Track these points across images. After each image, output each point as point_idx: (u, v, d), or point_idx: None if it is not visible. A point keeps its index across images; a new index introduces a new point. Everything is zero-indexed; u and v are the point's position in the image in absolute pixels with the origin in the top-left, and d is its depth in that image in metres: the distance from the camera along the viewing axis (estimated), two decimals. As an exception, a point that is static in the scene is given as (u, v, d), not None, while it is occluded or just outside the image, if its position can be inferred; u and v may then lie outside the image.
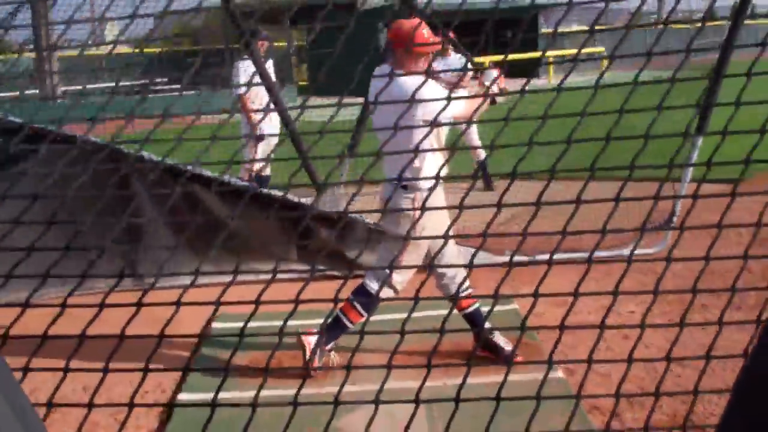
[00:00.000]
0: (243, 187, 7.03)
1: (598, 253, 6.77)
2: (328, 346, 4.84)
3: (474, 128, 10.19)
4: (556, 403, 3.99)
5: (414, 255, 4.73)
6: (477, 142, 10.24)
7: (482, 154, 10.19)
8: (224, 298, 1.25)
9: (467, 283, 4.90)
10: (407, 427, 1.18)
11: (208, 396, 4.50)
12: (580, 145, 1.51)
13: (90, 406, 1.18)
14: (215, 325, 5.68)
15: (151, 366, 1.26)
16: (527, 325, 1.49)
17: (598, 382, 4.44)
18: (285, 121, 7.83)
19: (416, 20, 4.48)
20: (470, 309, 4.90)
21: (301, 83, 26.99)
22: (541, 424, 1.23)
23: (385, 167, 4.83)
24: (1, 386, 0.82)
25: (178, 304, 1.23)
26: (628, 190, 1.50)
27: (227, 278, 5.55)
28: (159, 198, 6.35)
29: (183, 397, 4.55)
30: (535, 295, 1.23)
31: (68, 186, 1.48)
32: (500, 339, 4.96)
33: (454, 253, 4.99)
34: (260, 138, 8.91)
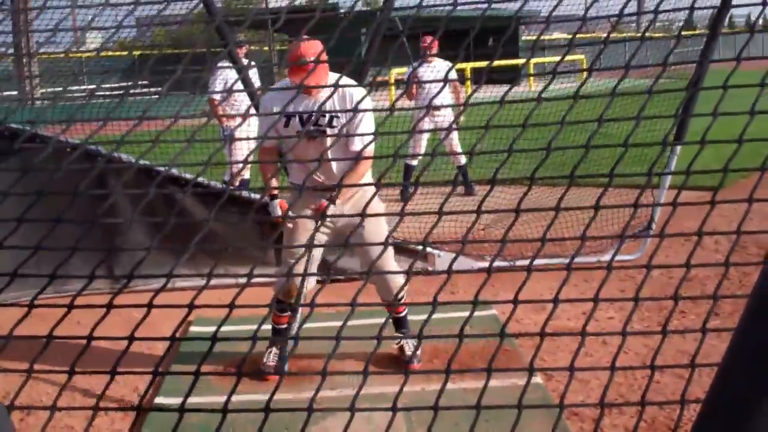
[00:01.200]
0: (219, 189, 7.01)
1: (578, 259, 6.82)
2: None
3: (455, 134, 10.22)
4: (535, 410, 4.01)
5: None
6: (457, 147, 10.27)
7: (462, 159, 10.21)
8: (202, 301, 1.24)
9: (404, 291, 4.99)
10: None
11: (180, 401, 4.45)
12: (560, 153, 1.51)
13: (53, 408, 1.16)
14: (192, 328, 5.65)
15: (125, 369, 1.24)
16: (507, 331, 1.48)
17: (577, 388, 4.45)
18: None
19: (315, 45, 4.54)
20: (402, 314, 5.12)
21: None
22: (520, 430, 1.22)
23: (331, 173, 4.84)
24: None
25: (149, 306, 1.21)
26: (609, 197, 1.50)
27: (204, 281, 5.49)
28: (135, 199, 6.32)
29: (159, 400, 4.51)
30: (515, 301, 1.22)
31: (44, 186, 1.47)
32: (409, 347, 5.10)
33: (392, 256, 5.16)
34: (231, 140, 8.89)
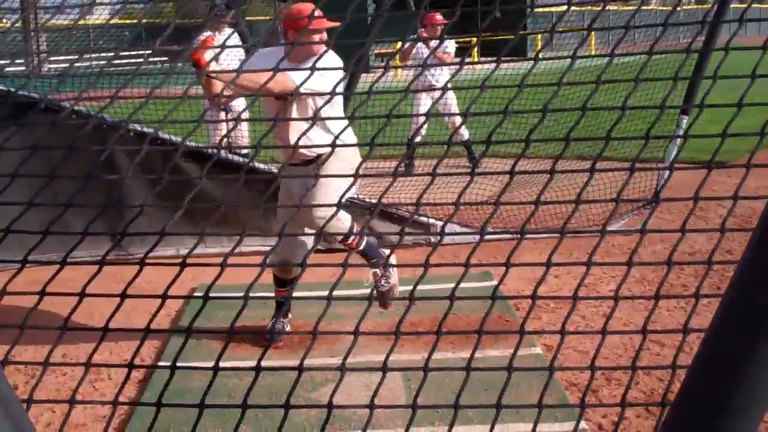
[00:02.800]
0: (229, 159, 7.03)
1: (580, 229, 6.75)
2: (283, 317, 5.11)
3: (453, 100, 10.18)
4: (534, 381, 4.05)
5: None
6: (458, 122, 10.21)
7: (465, 134, 10.17)
8: (206, 270, 1.25)
9: (349, 224, 4.97)
10: (376, 392, 1.19)
11: (186, 364, 4.47)
12: (560, 125, 1.51)
13: (45, 364, 1.17)
14: (196, 294, 5.69)
15: (127, 335, 1.25)
16: (506, 301, 1.49)
17: (578, 360, 4.48)
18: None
19: (309, 6, 4.49)
20: (362, 247, 5.02)
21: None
22: (520, 401, 1.23)
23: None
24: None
25: (141, 263, 1.22)
26: (614, 172, 1.50)
27: (209, 248, 5.50)
28: (141, 167, 6.34)
29: (162, 364, 4.56)
30: (507, 264, 1.23)
31: (50, 153, 1.47)
32: (383, 281, 5.08)
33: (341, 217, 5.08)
34: (227, 112, 8.84)
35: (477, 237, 6.63)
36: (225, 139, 9.36)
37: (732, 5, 7.40)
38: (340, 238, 4.85)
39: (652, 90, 7.46)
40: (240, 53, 8.78)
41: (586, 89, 1.36)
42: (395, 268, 5.07)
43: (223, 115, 9.04)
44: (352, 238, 4.91)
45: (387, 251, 5.12)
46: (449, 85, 9.09)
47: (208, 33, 9.01)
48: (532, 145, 1.31)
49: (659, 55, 1.48)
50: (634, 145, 7.39)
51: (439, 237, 6.82)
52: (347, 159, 4.39)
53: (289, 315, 5.14)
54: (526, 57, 24.19)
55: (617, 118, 1.34)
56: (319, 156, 4.65)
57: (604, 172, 1.28)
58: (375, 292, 4.96)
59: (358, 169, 1.45)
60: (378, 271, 5.00)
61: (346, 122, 4.20)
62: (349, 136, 4.88)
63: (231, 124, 8.94)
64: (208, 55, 4.56)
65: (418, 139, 10.36)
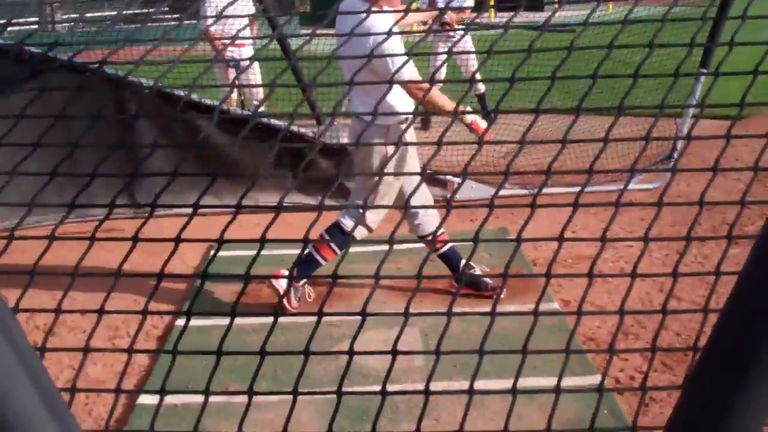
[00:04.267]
0: (242, 115, 6.99)
1: (600, 188, 6.77)
2: (301, 283, 4.90)
3: (473, 60, 10.09)
4: (552, 336, 4.06)
5: (388, 192, 4.71)
6: (475, 73, 10.12)
7: (482, 87, 10.09)
8: (225, 227, 1.24)
9: (439, 224, 4.91)
10: (396, 341, 1.19)
11: (206, 322, 4.52)
12: (577, 83, 1.49)
13: (58, 311, 1.18)
14: (213, 253, 5.71)
15: (145, 291, 1.26)
16: (526, 258, 1.48)
17: (594, 316, 4.48)
18: (285, 52, 7.65)
19: None
20: (445, 249, 4.86)
21: (301, 12, 26.62)
22: (537, 355, 1.23)
23: (355, 101, 4.79)
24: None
25: (135, 237, 1.21)
26: (631, 126, 1.48)
27: (227, 201, 5.49)
28: (155, 123, 6.34)
29: (180, 321, 4.60)
30: (532, 206, 1.22)
31: (63, 110, 1.47)
32: (479, 272, 4.92)
33: (426, 193, 5.02)
34: (237, 68, 8.76)
35: (491, 194, 6.61)
36: (236, 96, 9.31)
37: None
38: (426, 229, 4.76)
39: (672, 39, 7.34)
40: (244, 7, 8.61)
41: (601, 50, 1.34)
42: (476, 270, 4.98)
43: (232, 72, 8.96)
44: (440, 232, 4.79)
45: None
46: (469, 42, 8.98)
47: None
48: (550, 95, 1.29)
49: (676, 13, 1.45)
50: (653, 97, 7.29)
51: (460, 195, 6.79)
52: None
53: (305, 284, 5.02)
54: (542, 9, 23.95)
55: (630, 86, 1.32)
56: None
57: (617, 141, 1.27)
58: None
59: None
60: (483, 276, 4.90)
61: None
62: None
63: (242, 81, 8.88)
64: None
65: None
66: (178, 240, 1.18)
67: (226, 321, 1.17)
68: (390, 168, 4.40)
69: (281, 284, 4.76)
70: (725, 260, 1.21)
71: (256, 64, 8.90)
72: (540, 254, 5.44)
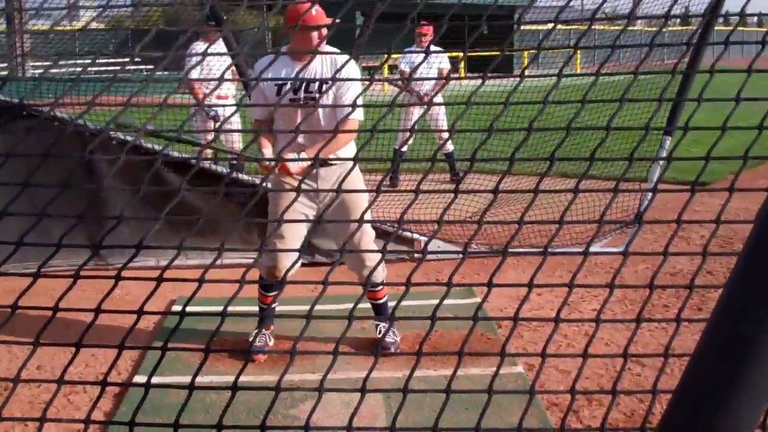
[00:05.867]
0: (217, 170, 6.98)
1: (563, 251, 6.78)
2: (270, 329, 5.11)
3: (443, 115, 10.22)
4: (515, 400, 4.02)
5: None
6: (445, 134, 10.22)
7: (450, 147, 10.20)
8: (185, 282, 1.22)
9: (384, 273, 5.02)
10: (354, 414, 1.16)
11: (165, 380, 4.43)
12: (545, 142, 1.50)
13: (16, 381, 1.14)
14: (174, 307, 5.63)
15: (96, 345, 1.22)
16: (487, 318, 1.48)
17: (559, 379, 4.46)
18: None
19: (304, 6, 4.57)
20: (382, 300, 5.01)
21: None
22: (500, 420, 1.22)
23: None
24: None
25: (117, 278, 1.19)
26: (598, 188, 1.49)
27: (190, 260, 5.43)
28: (122, 175, 6.29)
29: (138, 379, 4.50)
30: (489, 284, 1.21)
31: (28, 159, 1.45)
32: (391, 335, 5.03)
33: (372, 237, 5.04)
34: (216, 120, 8.83)
35: (460, 254, 6.62)
36: (211, 149, 9.32)
37: (716, 27, 7.46)
38: (372, 276, 4.73)
39: (636, 110, 7.50)
40: (227, 62, 8.69)
41: (572, 107, 1.35)
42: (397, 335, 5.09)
43: (211, 123, 9.00)
44: (381, 286, 4.94)
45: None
46: (440, 100, 9.11)
47: (199, 42, 9.00)
48: (516, 161, 1.29)
49: (645, 75, 1.47)
50: (618, 164, 7.40)
51: (422, 253, 6.79)
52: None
53: (272, 326, 5.08)
54: (511, 74, 24.27)
55: (601, 139, 1.33)
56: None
57: (589, 192, 1.27)
58: (381, 343, 4.89)
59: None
60: (385, 324, 5.00)
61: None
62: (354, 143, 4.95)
63: (219, 132, 8.91)
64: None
65: (405, 149, 10.38)
66: (140, 312, 1.15)
67: (185, 378, 1.14)
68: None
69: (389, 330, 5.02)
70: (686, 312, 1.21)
71: (235, 119, 8.97)
72: (505, 316, 5.43)
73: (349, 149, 4.73)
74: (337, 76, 3.74)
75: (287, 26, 4.76)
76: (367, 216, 4.83)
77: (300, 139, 4.50)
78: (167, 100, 1.36)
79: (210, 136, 9.01)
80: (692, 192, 1.23)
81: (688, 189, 1.27)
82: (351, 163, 1.25)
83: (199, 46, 8.95)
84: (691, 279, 1.26)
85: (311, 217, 4.76)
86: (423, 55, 10.05)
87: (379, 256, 4.93)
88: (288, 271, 1.49)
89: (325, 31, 4.57)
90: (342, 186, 1.48)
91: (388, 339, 4.96)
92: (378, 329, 5.03)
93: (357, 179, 4.74)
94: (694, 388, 1.01)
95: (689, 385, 1.01)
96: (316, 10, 4.68)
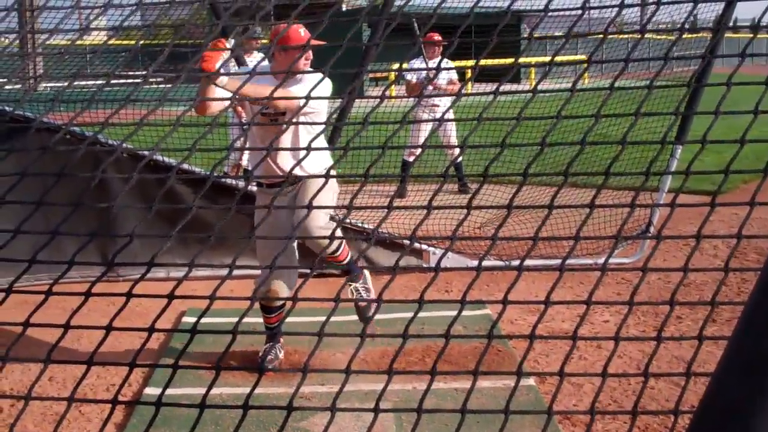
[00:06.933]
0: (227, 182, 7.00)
1: (574, 262, 6.77)
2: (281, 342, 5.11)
3: (453, 128, 10.20)
4: (525, 413, 3.99)
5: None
6: (454, 141, 10.20)
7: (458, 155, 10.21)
8: (196, 293, 1.22)
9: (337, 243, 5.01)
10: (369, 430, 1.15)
11: (175, 392, 4.44)
12: (558, 154, 1.50)
13: (28, 398, 1.14)
14: (185, 319, 5.63)
15: (110, 360, 1.22)
16: (500, 332, 1.46)
17: (571, 391, 4.43)
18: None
19: (294, 25, 4.62)
20: (345, 260, 5.05)
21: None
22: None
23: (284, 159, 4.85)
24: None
25: (128, 295, 1.19)
26: (607, 200, 1.49)
27: (200, 271, 5.43)
28: (135, 190, 6.30)
29: (148, 391, 4.49)
30: (504, 301, 1.20)
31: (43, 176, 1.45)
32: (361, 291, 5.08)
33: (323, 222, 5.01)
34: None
35: (472, 266, 6.60)
36: (230, 165, 9.42)
37: (725, 35, 7.43)
38: (330, 251, 4.83)
39: (647, 119, 7.47)
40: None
41: (584, 119, 1.34)
42: (370, 284, 5.15)
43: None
44: (340, 251, 4.97)
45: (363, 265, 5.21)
46: (451, 114, 9.08)
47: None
48: (528, 173, 1.28)
49: (658, 88, 1.46)
50: (629, 171, 7.36)
51: (433, 266, 6.77)
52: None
53: (281, 339, 5.06)
54: (518, 82, 24.17)
55: (616, 153, 1.32)
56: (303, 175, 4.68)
57: (603, 207, 1.26)
58: (355, 306, 5.02)
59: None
60: (358, 285, 5.03)
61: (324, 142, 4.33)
62: (328, 155, 5.00)
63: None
64: (218, 63, 4.58)
65: (412, 159, 10.36)
66: (151, 330, 1.15)
67: (194, 391, 1.13)
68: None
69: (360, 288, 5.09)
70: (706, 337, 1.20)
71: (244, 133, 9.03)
72: (516, 329, 5.41)
73: (321, 161, 4.67)
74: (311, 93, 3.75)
75: (278, 45, 4.76)
76: (326, 203, 4.66)
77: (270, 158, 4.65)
78: (183, 115, 1.36)
79: (244, 157, 9.13)
80: (712, 206, 1.22)
81: (707, 203, 1.26)
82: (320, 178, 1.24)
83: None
84: (712, 296, 1.24)
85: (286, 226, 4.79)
86: (430, 64, 10.05)
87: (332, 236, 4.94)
88: (284, 290, 1.48)
89: (310, 54, 4.64)
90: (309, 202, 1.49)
91: (362, 299, 5.02)
92: (351, 290, 5.03)
93: (322, 196, 4.64)
94: (716, 406, 0.99)
95: (712, 403, 1.00)
96: (304, 32, 4.74)
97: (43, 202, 1.29)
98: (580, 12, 1.62)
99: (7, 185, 1.39)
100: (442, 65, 10.01)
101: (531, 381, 4.54)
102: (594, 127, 1.35)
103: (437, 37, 10.22)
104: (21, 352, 1.21)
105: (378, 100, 1.45)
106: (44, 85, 17.63)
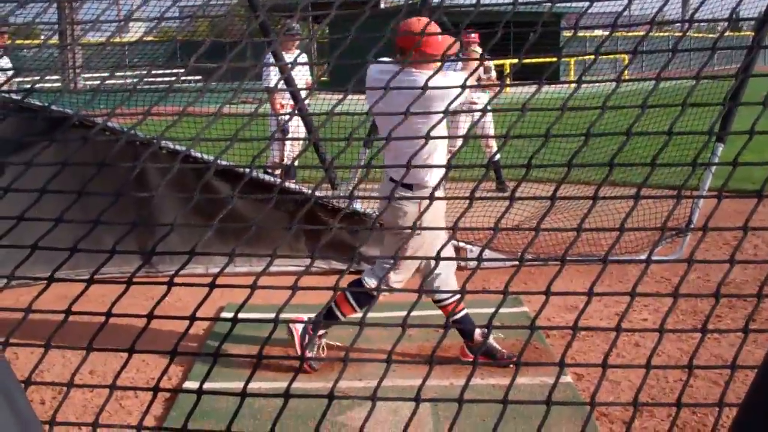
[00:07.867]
0: (265, 179, 7.05)
1: (618, 258, 6.64)
2: (319, 333, 4.92)
3: (490, 122, 10.16)
4: (563, 410, 3.98)
5: (415, 253, 4.67)
6: (492, 142, 10.18)
7: (497, 155, 10.16)
8: (236, 289, 1.23)
9: (455, 287, 4.80)
10: (407, 426, 1.16)
11: (213, 385, 4.48)
12: (600, 149, 1.49)
13: (69, 385, 1.17)
14: (223, 314, 5.68)
15: (148, 351, 1.24)
16: (542, 327, 1.46)
17: (608, 388, 4.41)
18: (307, 127, 8.01)
19: (425, 19, 4.39)
20: (460, 315, 4.75)
21: (323, 79, 27.02)
22: (548, 429, 1.21)
23: (387, 160, 4.75)
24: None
25: (169, 284, 1.21)
26: (649, 199, 1.47)
27: (238, 267, 5.48)
28: (173, 184, 6.37)
29: (188, 385, 4.55)
30: (547, 293, 1.20)
31: (82, 169, 1.48)
32: (494, 343, 4.89)
33: (449, 259, 4.90)
34: (285, 133, 8.98)
35: (509, 262, 6.58)
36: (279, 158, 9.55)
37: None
38: (439, 295, 4.60)
39: (687, 115, 7.37)
40: (305, 73, 9.06)
41: (624, 114, 1.34)
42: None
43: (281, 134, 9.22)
44: (452, 300, 4.66)
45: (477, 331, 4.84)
46: (488, 108, 9.08)
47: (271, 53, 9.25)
48: (572, 167, 1.29)
49: (705, 79, 1.45)
50: (667, 170, 7.31)
51: (474, 262, 6.75)
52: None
53: (322, 337, 5.04)
54: (557, 80, 24.07)
55: (663, 145, 1.32)
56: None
57: (648, 199, 1.26)
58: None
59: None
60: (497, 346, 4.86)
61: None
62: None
63: (291, 143, 9.19)
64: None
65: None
66: (192, 318, 1.17)
67: (234, 384, 1.15)
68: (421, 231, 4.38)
69: (298, 328, 4.81)
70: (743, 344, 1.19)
71: (301, 132, 9.10)
72: (552, 325, 5.38)
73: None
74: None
75: (402, 44, 4.51)
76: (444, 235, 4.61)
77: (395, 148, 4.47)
78: (220, 110, 1.38)
79: (285, 148, 9.25)
80: (759, 199, 1.21)
81: (753, 195, 1.25)
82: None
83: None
84: (759, 288, 1.23)
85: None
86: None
87: (452, 276, 4.83)
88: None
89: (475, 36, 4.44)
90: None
91: (500, 348, 4.85)
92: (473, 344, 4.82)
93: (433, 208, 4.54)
94: (763, 398, 0.98)
95: (758, 397, 0.99)
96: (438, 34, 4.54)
97: (83, 191, 1.32)
98: (621, 7, 1.61)
99: (48, 179, 1.42)
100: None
101: (568, 378, 4.53)
102: (639, 120, 1.34)
103: (474, 35, 10.18)
104: (61, 344, 1.24)
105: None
106: (83, 81, 17.86)
